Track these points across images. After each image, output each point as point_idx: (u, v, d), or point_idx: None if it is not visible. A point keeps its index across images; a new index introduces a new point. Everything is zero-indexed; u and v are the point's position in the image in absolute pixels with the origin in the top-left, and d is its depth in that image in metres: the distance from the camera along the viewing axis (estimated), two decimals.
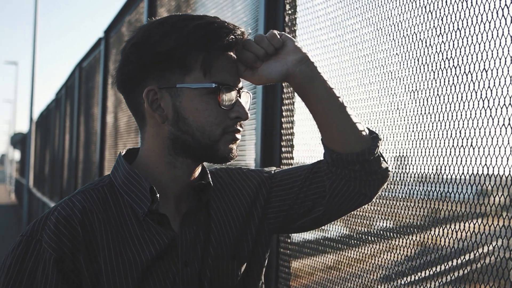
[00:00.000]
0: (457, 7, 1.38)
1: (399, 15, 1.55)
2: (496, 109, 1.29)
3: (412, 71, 1.53)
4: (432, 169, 1.47)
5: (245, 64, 1.33)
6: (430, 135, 1.47)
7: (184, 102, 1.28)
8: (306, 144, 2.02)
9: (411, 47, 1.52)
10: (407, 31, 1.52)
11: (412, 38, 1.51)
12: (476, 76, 1.34)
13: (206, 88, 1.28)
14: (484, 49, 1.31)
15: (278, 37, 1.34)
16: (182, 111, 1.28)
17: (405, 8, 1.54)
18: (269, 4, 2.16)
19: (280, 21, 2.13)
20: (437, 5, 1.44)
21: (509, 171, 1.27)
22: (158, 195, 1.30)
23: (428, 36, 1.46)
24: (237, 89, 1.32)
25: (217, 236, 1.37)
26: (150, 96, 1.29)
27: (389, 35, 1.58)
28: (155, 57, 1.28)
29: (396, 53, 1.56)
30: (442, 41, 1.41)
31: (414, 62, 1.51)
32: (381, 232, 1.68)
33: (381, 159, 1.39)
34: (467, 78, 1.36)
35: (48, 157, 13.17)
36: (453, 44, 1.40)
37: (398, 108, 1.60)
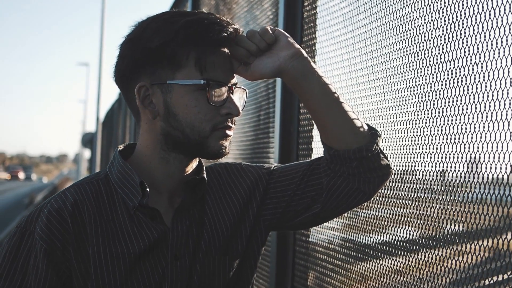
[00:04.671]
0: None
1: (402, 9, 1.51)
2: None
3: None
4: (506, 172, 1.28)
5: (239, 60, 1.33)
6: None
7: (174, 99, 1.29)
8: None
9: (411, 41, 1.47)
10: (408, 25, 1.49)
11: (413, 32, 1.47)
12: None
13: (195, 84, 1.28)
14: None
15: (271, 32, 1.33)
16: (172, 107, 1.29)
17: (407, 1, 1.51)
18: (288, 2, 2.15)
19: (298, 18, 2.13)
20: None
21: None
22: (148, 189, 1.31)
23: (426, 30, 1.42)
24: (229, 85, 1.32)
25: (209, 232, 1.38)
26: (142, 92, 1.31)
27: (393, 29, 1.54)
28: (147, 53, 1.29)
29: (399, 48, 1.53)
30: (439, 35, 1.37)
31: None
32: (451, 236, 1.50)
33: (381, 156, 1.37)
34: None
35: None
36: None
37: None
